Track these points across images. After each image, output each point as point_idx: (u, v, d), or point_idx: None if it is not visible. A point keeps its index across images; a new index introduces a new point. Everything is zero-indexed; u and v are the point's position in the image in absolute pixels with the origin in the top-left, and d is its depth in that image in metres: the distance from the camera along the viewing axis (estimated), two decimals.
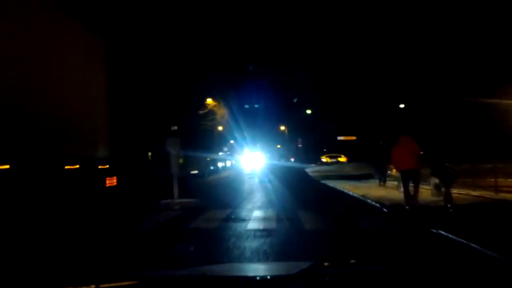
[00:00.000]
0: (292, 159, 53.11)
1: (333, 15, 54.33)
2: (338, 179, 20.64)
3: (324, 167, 35.40)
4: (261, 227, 6.85)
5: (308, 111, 56.04)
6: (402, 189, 9.52)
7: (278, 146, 79.79)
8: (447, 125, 27.67)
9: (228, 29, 58.14)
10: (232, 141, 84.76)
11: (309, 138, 57.59)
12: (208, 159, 33.14)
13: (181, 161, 32.94)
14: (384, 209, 9.48)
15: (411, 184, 9.06)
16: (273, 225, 7.04)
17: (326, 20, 55.90)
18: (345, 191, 14.27)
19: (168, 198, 10.36)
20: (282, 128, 69.15)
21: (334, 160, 42.92)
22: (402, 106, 47.92)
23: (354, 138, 44.08)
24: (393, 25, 41.54)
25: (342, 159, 43.33)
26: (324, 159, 44.55)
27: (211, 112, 43.67)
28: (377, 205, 10.27)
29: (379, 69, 49.26)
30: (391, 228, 7.20)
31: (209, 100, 43.52)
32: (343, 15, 52.06)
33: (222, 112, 44.78)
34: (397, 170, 9.51)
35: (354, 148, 46.95)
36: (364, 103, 49.77)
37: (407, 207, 8.92)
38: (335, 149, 46.14)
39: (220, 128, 52.00)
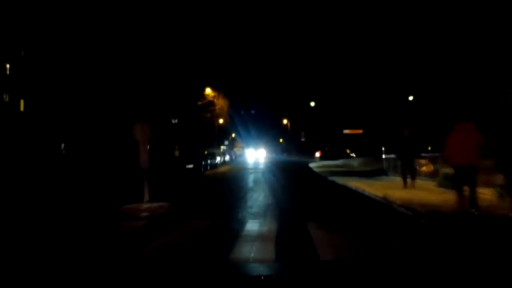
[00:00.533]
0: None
1: (338, 4, 51.64)
2: (347, 175, 18.29)
3: (328, 162, 33.10)
4: (251, 255, 4.44)
5: (312, 104, 53.50)
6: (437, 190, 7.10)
7: (281, 140, 77.89)
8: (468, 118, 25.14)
9: (229, 16, 55.48)
10: (233, 135, 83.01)
11: (313, 132, 55.14)
12: (206, 152, 30.79)
13: (176, 153, 30.70)
14: (422, 220, 7.08)
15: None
16: (270, 251, 4.62)
17: (332, 8, 53.15)
18: (360, 190, 11.87)
19: (140, 200, 8.01)
20: (285, 121, 66.81)
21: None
22: (411, 98, 45.43)
23: (360, 131, 41.55)
24: (403, 11, 38.98)
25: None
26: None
27: (210, 103, 41.30)
28: (408, 212, 7.87)
29: (386, 60, 46.73)
30: (456, 257, 4.72)
31: (208, 91, 41.10)
32: (348, 4, 49.43)
33: (221, 103, 42.34)
34: (451, 165, 7.08)
35: (360, 142, 44.57)
36: (371, 95, 47.29)
37: (457, 212, 6.59)
38: (340, 143, 43.67)
39: (221, 121, 49.80)
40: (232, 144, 78.70)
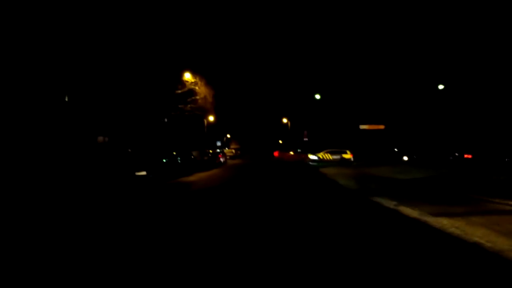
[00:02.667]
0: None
1: None
2: (392, 193, 9.88)
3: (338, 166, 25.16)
4: None
5: (317, 96, 44.69)
6: None
7: (280, 141, 71.28)
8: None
9: None
10: (228, 135, 74.55)
11: (319, 130, 46.44)
12: (174, 153, 22.02)
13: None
14: None
15: None
16: None
17: None
18: None
19: None
20: (285, 120, 58.36)
21: (337, 156, 32.34)
22: (441, 87, 36.65)
23: (382, 127, 32.72)
24: None
25: (347, 155, 32.73)
26: (322, 156, 33.41)
27: (190, 92, 32.55)
28: None
29: (410, 45, 38.03)
30: None
31: (187, 76, 32.34)
32: None
33: (204, 91, 33.56)
34: None
35: (377, 141, 35.94)
36: (393, 84, 38.59)
37: None
38: (355, 141, 35.01)
39: (211, 118, 41.42)
40: (228, 145, 70.55)
